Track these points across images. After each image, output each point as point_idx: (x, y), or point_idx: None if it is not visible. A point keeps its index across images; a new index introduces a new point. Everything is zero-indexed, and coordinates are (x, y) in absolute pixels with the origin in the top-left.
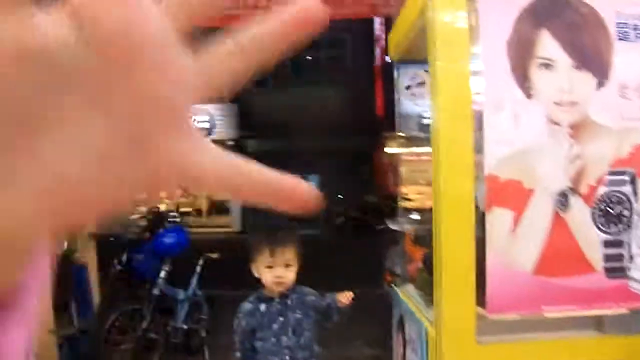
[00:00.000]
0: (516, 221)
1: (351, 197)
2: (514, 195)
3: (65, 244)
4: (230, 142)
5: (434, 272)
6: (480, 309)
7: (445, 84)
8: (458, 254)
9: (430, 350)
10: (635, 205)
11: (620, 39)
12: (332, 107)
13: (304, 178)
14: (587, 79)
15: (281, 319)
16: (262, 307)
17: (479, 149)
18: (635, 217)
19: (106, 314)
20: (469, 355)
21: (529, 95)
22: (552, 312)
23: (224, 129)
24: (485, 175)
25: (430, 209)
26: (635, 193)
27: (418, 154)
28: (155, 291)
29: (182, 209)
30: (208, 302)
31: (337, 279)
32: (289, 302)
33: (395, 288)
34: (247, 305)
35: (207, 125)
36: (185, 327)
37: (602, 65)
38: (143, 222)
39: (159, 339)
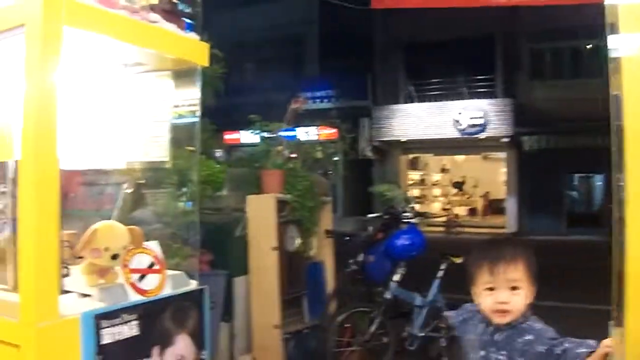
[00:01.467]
0: None
1: None
2: None
3: (299, 241)
4: (505, 139)
5: None
6: None
7: None
8: None
9: None
10: None
11: None
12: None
13: (588, 177)
14: None
15: (482, 353)
16: (480, 325)
17: None
18: None
19: (337, 313)
20: None
21: None
22: None
23: (498, 125)
24: None
25: None
26: None
27: None
28: (388, 295)
29: (457, 210)
30: (451, 309)
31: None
32: (496, 336)
33: None
34: (462, 311)
35: (480, 121)
36: (422, 334)
37: None
38: (379, 222)
39: (390, 344)
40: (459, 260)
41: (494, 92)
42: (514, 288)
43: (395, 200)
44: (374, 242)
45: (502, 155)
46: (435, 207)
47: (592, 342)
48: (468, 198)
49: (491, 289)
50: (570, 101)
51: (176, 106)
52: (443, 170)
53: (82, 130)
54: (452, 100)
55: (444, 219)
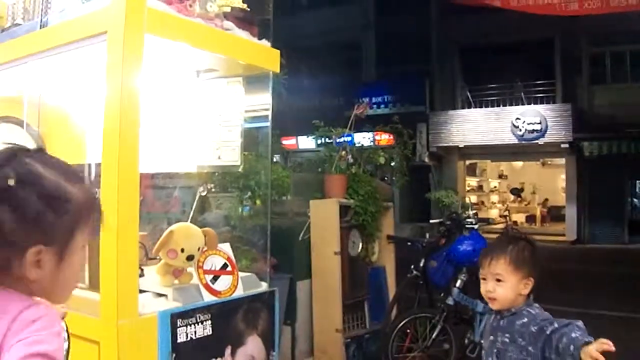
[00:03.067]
0: None
1: None
2: None
3: (361, 246)
4: (565, 145)
5: None
6: None
7: None
8: None
9: None
10: None
11: None
12: None
13: None
14: None
15: (491, 337)
16: (492, 314)
17: None
18: None
19: (398, 319)
20: None
21: None
22: None
23: (558, 131)
24: None
25: None
26: None
27: None
28: (449, 301)
29: (515, 217)
30: None
31: None
32: (502, 322)
33: None
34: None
35: (539, 127)
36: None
37: None
38: (440, 228)
39: (451, 351)
40: None
41: (553, 97)
42: (498, 280)
43: (453, 207)
44: (436, 247)
45: (562, 161)
46: (493, 213)
47: (579, 323)
48: (526, 205)
49: (484, 279)
50: (632, 106)
51: (247, 111)
52: (501, 177)
53: (155, 135)
54: (510, 105)
55: (501, 226)
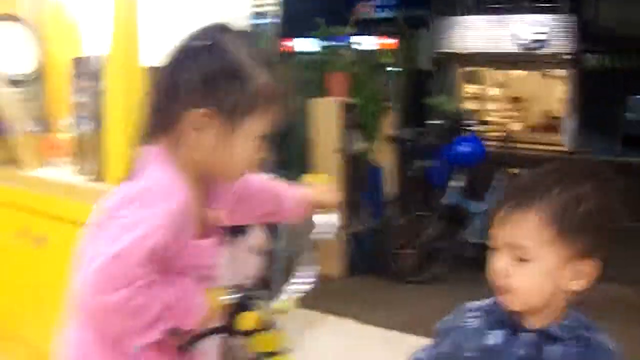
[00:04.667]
0: None
1: None
2: None
3: (361, 145)
4: (567, 56)
5: None
6: None
7: None
8: None
9: None
10: None
11: None
12: None
13: None
14: None
15: None
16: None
17: None
18: None
19: (395, 217)
20: None
21: None
22: None
23: (560, 42)
24: None
25: None
26: None
27: None
28: (444, 200)
29: (514, 125)
30: None
31: None
32: (522, 350)
33: None
34: None
35: (542, 37)
36: (476, 241)
37: None
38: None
39: (445, 249)
40: (516, 171)
41: (558, 7)
42: (521, 259)
43: (451, 113)
44: (435, 148)
45: (563, 73)
46: (492, 121)
47: None
48: (525, 114)
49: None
50: (638, 22)
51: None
52: (501, 85)
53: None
54: (514, 14)
55: (499, 133)
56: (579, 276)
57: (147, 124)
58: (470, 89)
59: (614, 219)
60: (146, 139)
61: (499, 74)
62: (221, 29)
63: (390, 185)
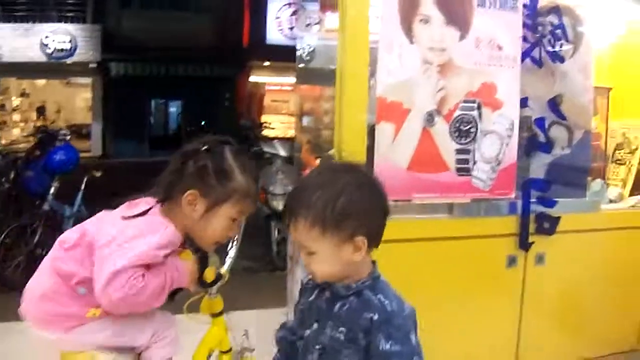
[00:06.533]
0: (396, 132)
1: (214, 124)
2: (395, 113)
3: None
4: (93, 65)
5: None
6: None
7: (351, 27)
8: (355, 156)
9: None
10: (479, 124)
11: (479, 5)
12: (199, 33)
13: (166, 103)
14: (453, 33)
15: (315, 325)
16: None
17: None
18: (479, 133)
19: None
20: None
21: (411, 42)
22: (419, 199)
23: (86, 51)
24: (376, 96)
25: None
26: (480, 116)
27: (282, 84)
28: (45, 207)
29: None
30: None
31: None
32: (335, 306)
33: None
34: None
35: (68, 46)
36: None
37: (464, 23)
38: (32, 141)
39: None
40: (98, 174)
41: (84, 17)
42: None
43: None
44: (31, 159)
45: (88, 80)
46: (15, 133)
47: None
48: (51, 123)
49: None
50: (157, 31)
51: None
52: (23, 95)
53: None
54: (42, 22)
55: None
56: (356, 250)
57: (164, 187)
58: None
59: (367, 202)
60: (159, 194)
61: (24, 83)
62: (223, 142)
63: None
